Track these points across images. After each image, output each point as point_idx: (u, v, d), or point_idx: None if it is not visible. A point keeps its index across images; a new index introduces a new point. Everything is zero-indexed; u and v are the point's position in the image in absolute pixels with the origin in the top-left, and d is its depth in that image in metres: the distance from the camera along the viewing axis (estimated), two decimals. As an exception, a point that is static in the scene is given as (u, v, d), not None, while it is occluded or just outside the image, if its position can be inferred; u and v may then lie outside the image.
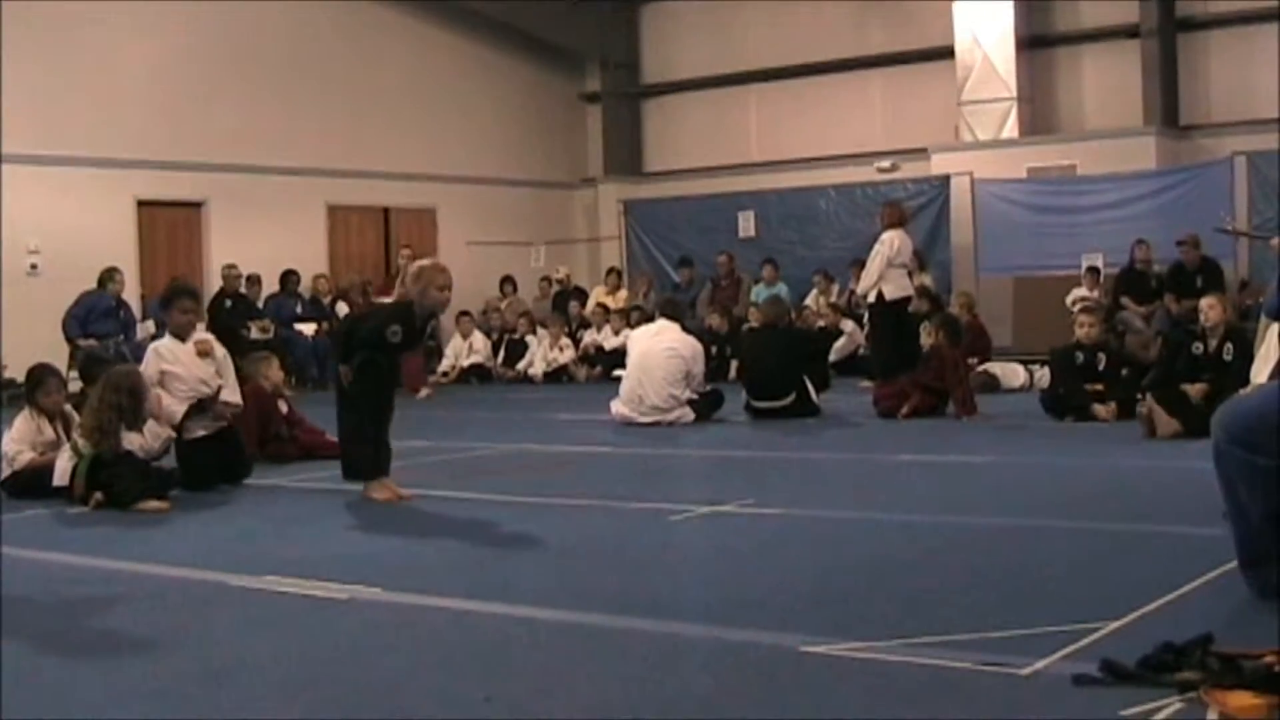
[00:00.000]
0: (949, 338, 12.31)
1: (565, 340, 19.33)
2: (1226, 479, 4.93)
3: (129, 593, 5.85)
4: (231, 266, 18.50)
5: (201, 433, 8.90)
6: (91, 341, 15.92)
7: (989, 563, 5.90)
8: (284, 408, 10.34)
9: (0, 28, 17.02)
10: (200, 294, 11.27)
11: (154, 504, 8.09)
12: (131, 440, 8.29)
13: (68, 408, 9.10)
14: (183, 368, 8.91)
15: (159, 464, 8.73)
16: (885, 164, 21.60)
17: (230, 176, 19.52)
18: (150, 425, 8.39)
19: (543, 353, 19.17)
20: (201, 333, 9.25)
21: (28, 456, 8.75)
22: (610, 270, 21.94)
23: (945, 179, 20.01)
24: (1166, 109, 19.72)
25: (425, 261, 8.50)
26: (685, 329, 12.93)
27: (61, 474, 8.37)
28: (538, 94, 24.17)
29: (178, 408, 8.82)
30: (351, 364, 8.05)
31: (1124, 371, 11.56)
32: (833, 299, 19.08)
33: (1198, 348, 10.66)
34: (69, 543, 7.22)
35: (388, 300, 9.54)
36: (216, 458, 8.95)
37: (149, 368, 8.85)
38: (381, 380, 8.21)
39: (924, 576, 5.65)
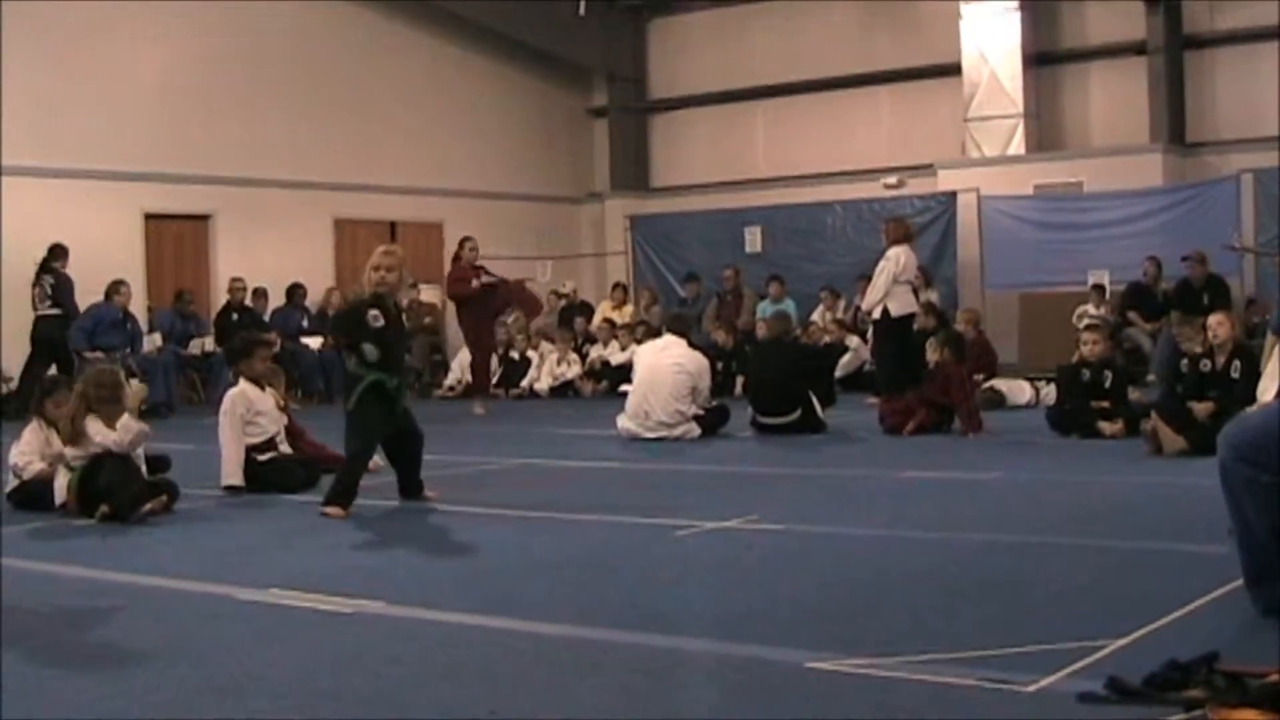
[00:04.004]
0: (953, 354, 12.31)
1: (571, 355, 19.34)
2: (1232, 496, 4.92)
3: (133, 605, 5.85)
4: (238, 280, 18.54)
5: (270, 455, 9.59)
6: (98, 354, 15.92)
7: (994, 579, 5.89)
8: (285, 420, 10.36)
9: (0, 31, 17.08)
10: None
11: (152, 504, 8.15)
12: (106, 436, 8.30)
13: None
14: (267, 406, 9.68)
15: (166, 476, 8.78)
16: (892, 180, 21.60)
17: (237, 190, 19.54)
18: (124, 420, 8.40)
19: (549, 367, 19.17)
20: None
21: (37, 467, 8.74)
22: (616, 285, 21.95)
23: (952, 195, 20.01)
24: (1173, 126, 19.72)
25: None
26: (692, 344, 12.93)
27: (60, 491, 8.42)
28: (545, 108, 24.20)
29: (254, 442, 9.50)
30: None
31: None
32: (838, 315, 19.07)
33: (1205, 365, 10.65)
34: (73, 555, 7.22)
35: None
36: (280, 473, 9.47)
37: (237, 407, 9.49)
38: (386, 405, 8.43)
39: (929, 593, 5.64)
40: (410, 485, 8.70)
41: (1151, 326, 17.23)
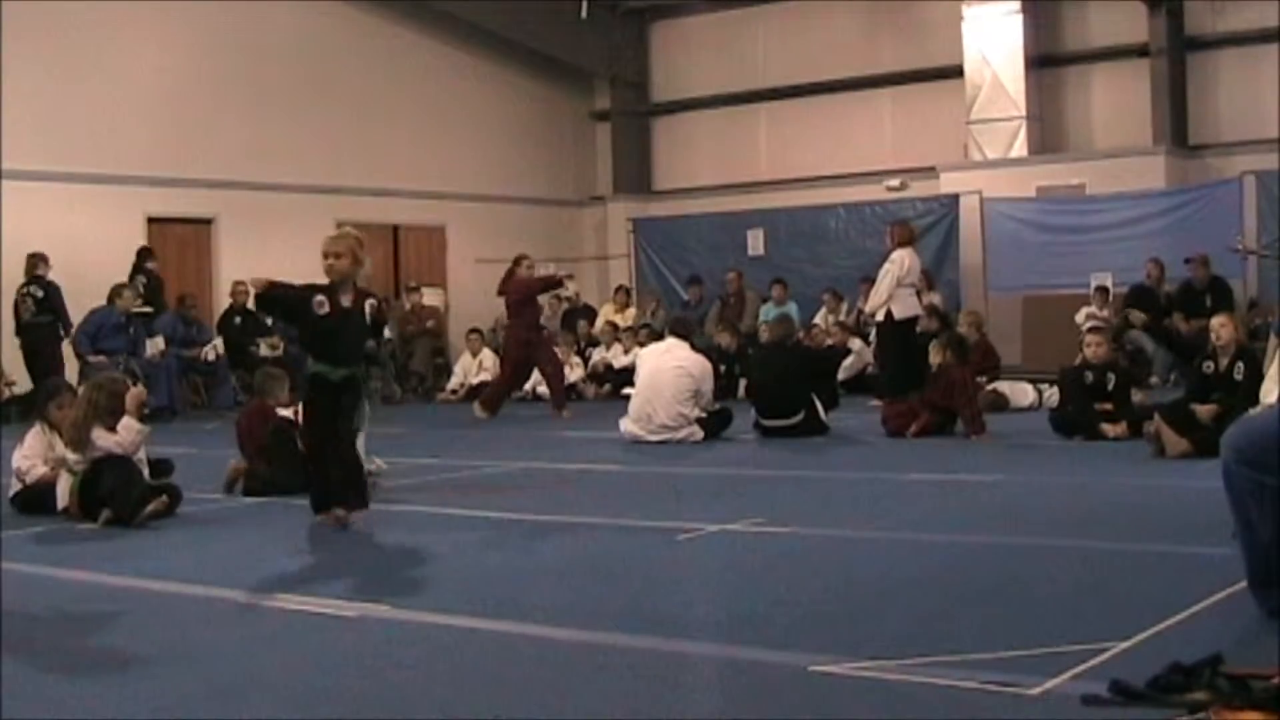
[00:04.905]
0: (956, 356, 12.31)
1: (574, 358, 19.32)
2: (1236, 498, 4.92)
3: (135, 609, 5.85)
4: (241, 283, 18.51)
5: None
6: (101, 358, 15.94)
7: (998, 582, 5.89)
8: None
9: (1, 33, 17.11)
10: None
11: (153, 505, 8.16)
12: (108, 439, 8.31)
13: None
14: None
15: (169, 480, 8.79)
16: (894, 182, 21.63)
17: (240, 193, 19.56)
18: (125, 421, 8.41)
19: (552, 370, 19.14)
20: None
21: (40, 470, 8.75)
22: (619, 288, 21.96)
23: (954, 198, 20.01)
24: (1176, 128, 19.72)
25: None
26: (694, 347, 12.93)
27: (63, 495, 8.43)
28: (547, 112, 24.21)
29: None
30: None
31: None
32: (841, 317, 19.08)
33: (1208, 367, 10.65)
34: (76, 558, 7.23)
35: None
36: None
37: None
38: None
39: (932, 596, 5.64)
40: (326, 496, 7.97)
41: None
